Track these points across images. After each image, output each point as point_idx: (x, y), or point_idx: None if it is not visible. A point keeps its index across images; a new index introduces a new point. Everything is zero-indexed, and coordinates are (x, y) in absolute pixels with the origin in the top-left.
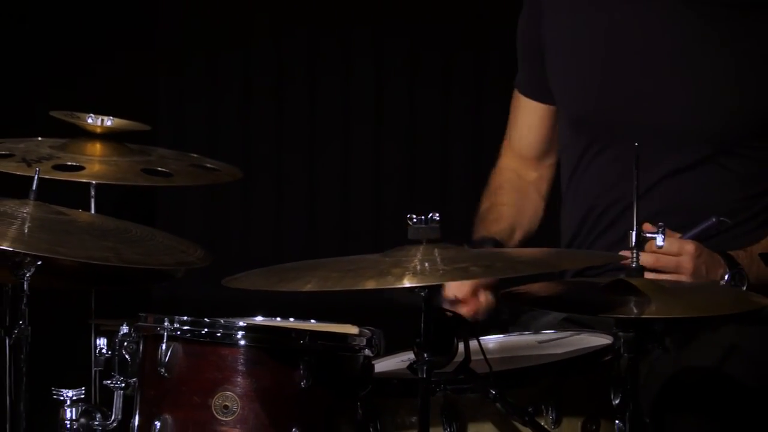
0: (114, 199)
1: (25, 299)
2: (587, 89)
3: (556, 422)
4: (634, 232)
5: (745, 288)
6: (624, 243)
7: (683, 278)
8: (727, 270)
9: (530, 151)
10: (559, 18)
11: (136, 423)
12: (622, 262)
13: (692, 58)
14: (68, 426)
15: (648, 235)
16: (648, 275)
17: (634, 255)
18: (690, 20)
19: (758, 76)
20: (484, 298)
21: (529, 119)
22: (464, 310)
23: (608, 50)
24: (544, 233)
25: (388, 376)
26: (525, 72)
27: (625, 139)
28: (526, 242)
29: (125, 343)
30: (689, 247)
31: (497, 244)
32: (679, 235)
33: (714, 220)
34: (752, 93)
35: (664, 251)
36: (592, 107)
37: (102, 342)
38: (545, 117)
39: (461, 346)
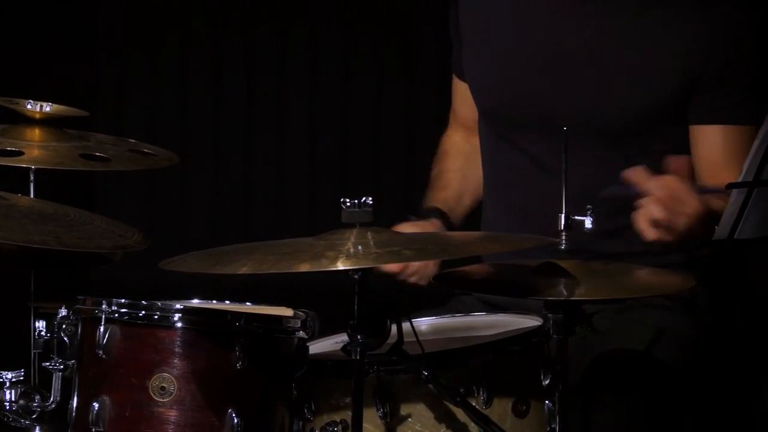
0: (53, 183)
1: None
2: (492, 82)
3: (487, 402)
4: (563, 215)
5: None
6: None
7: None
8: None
9: (472, 122)
10: (469, 9)
11: (75, 404)
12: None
13: (594, 51)
14: (7, 407)
15: (577, 218)
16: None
17: (563, 237)
18: (593, 13)
19: (662, 66)
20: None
21: (464, 96)
22: (412, 279)
23: (512, 44)
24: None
25: (323, 358)
26: (455, 53)
27: (533, 131)
28: (478, 203)
29: (64, 326)
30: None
31: (442, 213)
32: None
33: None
34: (656, 84)
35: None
36: (497, 100)
37: (41, 324)
38: None
39: (394, 328)
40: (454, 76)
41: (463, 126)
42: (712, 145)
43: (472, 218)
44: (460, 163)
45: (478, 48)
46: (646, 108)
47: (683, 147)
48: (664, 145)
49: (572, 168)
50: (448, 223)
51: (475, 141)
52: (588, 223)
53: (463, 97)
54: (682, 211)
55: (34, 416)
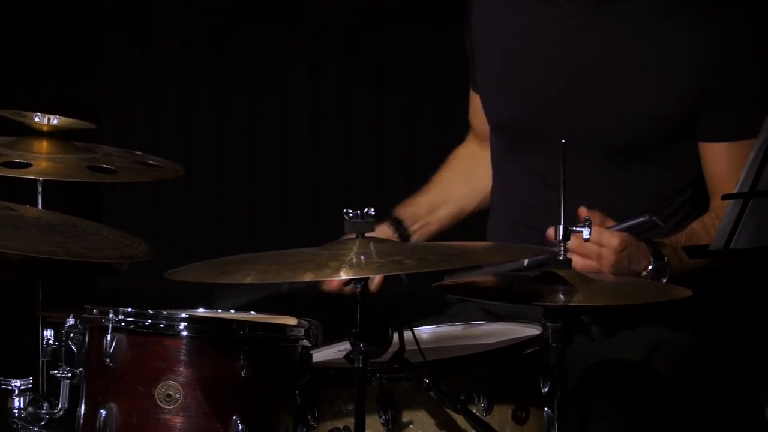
0: (60, 195)
1: None
2: (503, 95)
3: (488, 410)
4: (561, 226)
5: (665, 280)
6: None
7: (603, 269)
8: (651, 262)
9: (485, 134)
10: (482, 24)
11: (82, 412)
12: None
13: (603, 63)
14: (16, 414)
15: (575, 228)
16: (574, 263)
17: (562, 247)
18: (601, 25)
19: (669, 79)
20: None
21: (479, 108)
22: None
23: (522, 58)
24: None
25: (326, 366)
26: (471, 67)
27: (541, 145)
28: (465, 215)
29: (71, 334)
30: (614, 240)
31: (397, 221)
32: (611, 224)
33: (646, 218)
34: (663, 98)
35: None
36: (508, 113)
37: (49, 333)
38: None
39: (396, 336)
40: (471, 89)
41: (477, 137)
42: (719, 161)
43: (476, 229)
44: (454, 174)
45: (490, 62)
46: (653, 120)
47: (689, 162)
48: (670, 159)
49: (578, 180)
50: (402, 230)
51: (484, 154)
52: (586, 234)
53: (477, 110)
54: (604, 264)
55: (42, 423)
